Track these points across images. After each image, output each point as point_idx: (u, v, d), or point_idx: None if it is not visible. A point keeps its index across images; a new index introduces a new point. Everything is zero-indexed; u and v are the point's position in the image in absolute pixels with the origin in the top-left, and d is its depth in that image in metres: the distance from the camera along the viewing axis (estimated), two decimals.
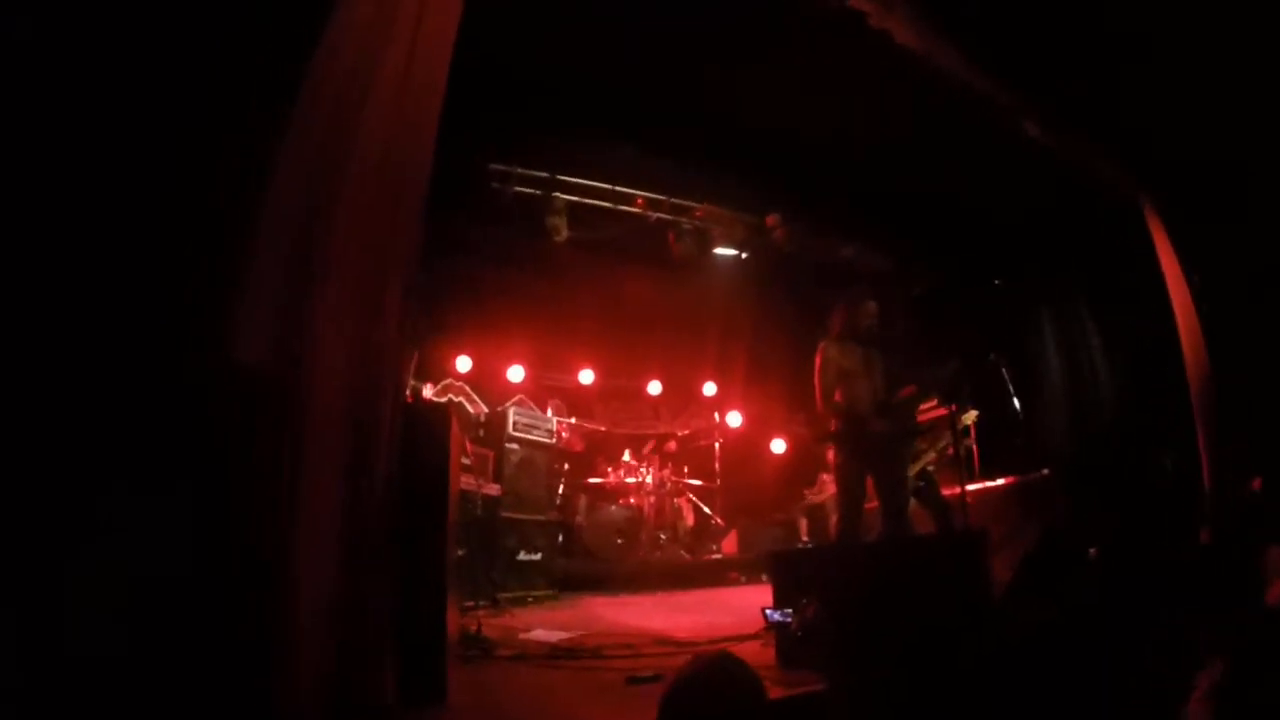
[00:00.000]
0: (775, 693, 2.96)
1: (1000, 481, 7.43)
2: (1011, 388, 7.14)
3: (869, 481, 5.55)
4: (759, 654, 4.23)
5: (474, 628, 4.68)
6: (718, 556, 9.69)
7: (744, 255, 9.01)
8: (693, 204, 8.47)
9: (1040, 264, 8.71)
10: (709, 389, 11.91)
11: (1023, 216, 8.05)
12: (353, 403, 2.44)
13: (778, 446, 11.61)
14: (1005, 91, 6.01)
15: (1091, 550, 4.97)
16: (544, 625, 5.51)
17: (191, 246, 2.28)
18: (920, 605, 3.53)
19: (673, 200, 8.34)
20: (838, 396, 5.52)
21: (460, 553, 6.12)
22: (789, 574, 4.55)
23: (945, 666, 3.20)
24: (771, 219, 8.59)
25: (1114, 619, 3.65)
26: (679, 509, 10.15)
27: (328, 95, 2.82)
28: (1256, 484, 5.22)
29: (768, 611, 4.48)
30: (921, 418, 7.34)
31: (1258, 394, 5.98)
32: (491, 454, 7.41)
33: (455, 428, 3.68)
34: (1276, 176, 5.91)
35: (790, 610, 4.22)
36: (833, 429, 5.60)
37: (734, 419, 11.87)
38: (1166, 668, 2.79)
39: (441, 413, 3.56)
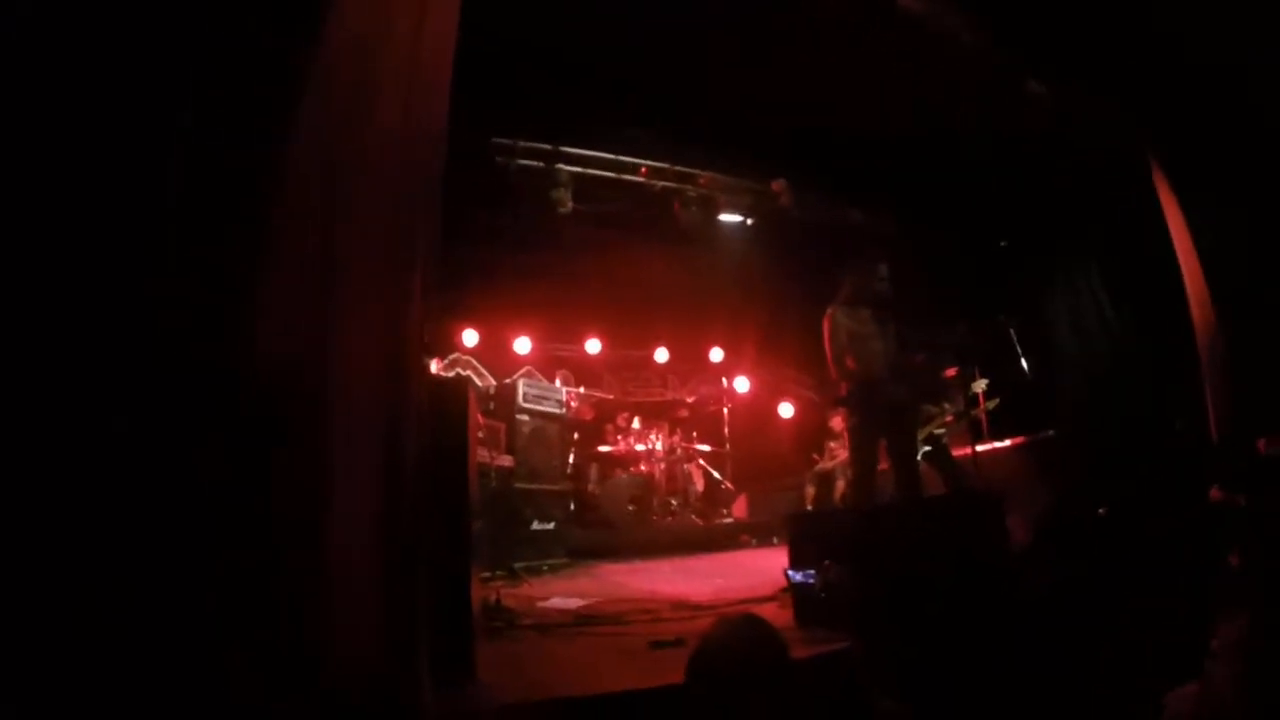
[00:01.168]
0: (798, 652, 3.03)
1: (1009, 442, 7.47)
2: (1019, 349, 7.16)
3: (881, 446, 5.59)
4: (777, 615, 4.28)
5: (494, 599, 4.75)
6: (729, 521, 9.81)
7: (750, 221, 9.00)
8: (697, 171, 8.47)
9: (1048, 224, 8.68)
10: (716, 355, 11.98)
11: (1029, 177, 8.01)
12: (381, 388, 2.48)
13: (786, 411, 11.70)
14: (1008, 50, 5.96)
15: (1101, 510, 5.02)
16: (562, 594, 5.58)
17: (215, 243, 2.30)
18: (938, 566, 3.58)
19: (677, 168, 8.33)
20: (849, 362, 5.51)
21: (477, 525, 6.21)
22: (806, 536, 4.60)
23: (964, 626, 3.25)
24: (777, 184, 8.57)
25: (1125, 577, 3.69)
26: (689, 474, 10.25)
27: (338, 76, 2.83)
28: (1261, 445, 5.24)
29: (789, 572, 4.54)
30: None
31: (1266, 354, 5.97)
32: (503, 426, 7.47)
33: (472, 402, 3.72)
34: None
35: (812, 571, 4.29)
36: (844, 393, 5.61)
37: (742, 384, 11.94)
38: (1177, 624, 2.84)
39: (459, 389, 3.58)
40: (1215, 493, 4.27)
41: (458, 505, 3.14)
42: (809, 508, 9.06)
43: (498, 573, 6.20)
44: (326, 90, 2.77)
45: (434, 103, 3.08)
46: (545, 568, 7.09)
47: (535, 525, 7.32)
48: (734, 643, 2.18)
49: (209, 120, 2.53)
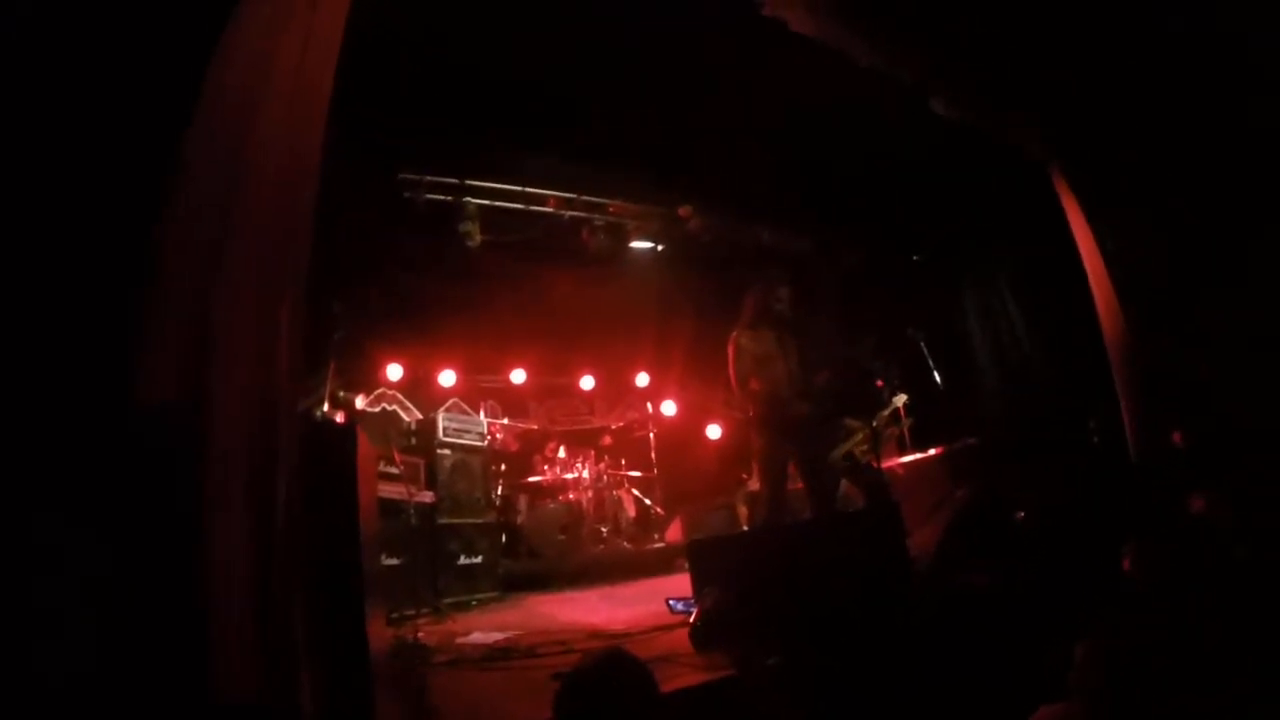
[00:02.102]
0: (686, 679, 3.07)
1: (931, 452, 7.62)
2: (930, 362, 7.33)
3: (792, 466, 5.68)
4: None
5: (411, 637, 4.71)
6: (661, 545, 9.81)
7: (660, 247, 9.10)
8: (605, 200, 8.55)
9: (957, 238, 8.91)
10: (642, 380, 12.06)
11: (937, 192, 8.21)
12: (254, 434, 2.49)
13: (714, 432, 11.78)
14: (910, 69, 6.09)
15: (1019, 514, 5.15)
16: (485, 627, 5.54)
17: (97, 290, 2.30)
18: (836, 583, 3.64)
19: (584, 198, 8.40)
20: (753, 384, 5.62)
21: (395, 562, 6.14)
22: (706, 562, 4.61)
23: (862, 640, 3.29)
24: (684, 210, 8.70)
25: (1040, 580, 3.77)
26: (619, 501, 10.25)
27: (221, 114, 2.85)
28: (1176, 438, 5.42)
29: (670, 601, 4.60)
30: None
31: (1175, 353, 6.18)
32: (422, 461, 7.41)
33: (364, 443, 3.72)
34: (1184, 141, 6.13)
35: (692, 599, 4.35)
36: (753, 415, 5.70)
37: (668, 408, 12.02)
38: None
39: (345, 431, 3.59)
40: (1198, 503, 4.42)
41: (346, 542, 3.13)
42: (744, 528, 9.14)
43: (421, 610, 6.14)
44: (210, 123, 2.79)
45: (311, 137, 3.10)
46: (474, 602, 7.04)
47: (462, 560, 7.27)
48: (595, 680, 2.22)
49: (94, 145, 2.53)
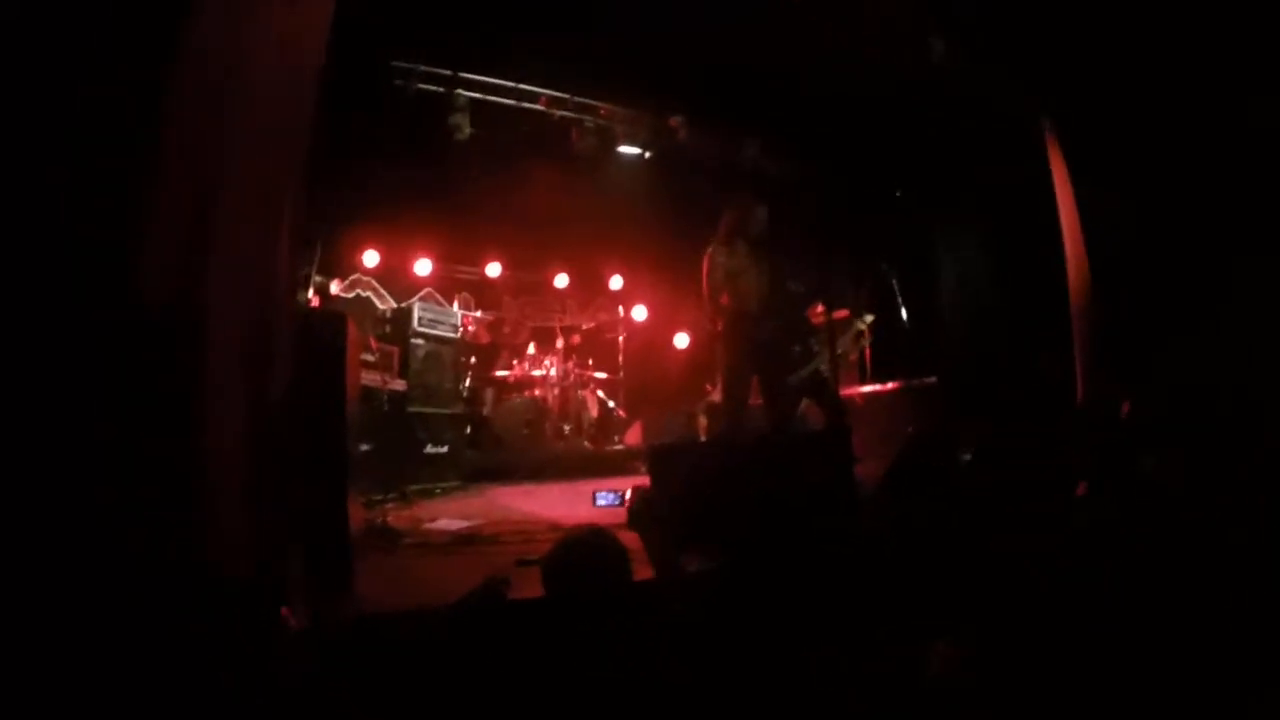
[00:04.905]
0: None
1: (890, 385, 7.82)
2: (900, 298, 7.49)
3: (754, 381, 5.88)
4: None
5: (380, 520, 4.92)
6: (621, 447, 10.07)
7: (648, 155, 9.11)
8: (596, 103, 8.52)
9: (942, 178, 8.96)
10: (616, 283, 12.15)
11: (928, 130, 8.23)
12: (251, 326, 2.59)
13: (681, 341, 11.94)
14: (910, 11, 6.10)
15: (965, 455, 5.38)
16: (449, 515, 5.73)
17: (92, 193, 2.36)
18: (779, 500, 3.83)
19: (576, 99, 8.37)
20: (724, 299, 5.75)
21: (367, 448, 6.32)
22: (667, 469, 4.72)
23: (790, 558, 3.46)
24: (674, 120, 8.70)
25: (974, 520, 3.93)
26: (583, 400, 10.44)
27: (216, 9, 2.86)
28: (1125, 408, 5.62)
29: (596, 494, 4.81)
30: (817, 320, 7.69)
31: (1136, 322, 6.35)
32: (397, 350, 7.52)
33: (352, 330, 3.84)
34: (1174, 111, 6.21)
35: (618, 493, 4.58)
36: (720, 329, 5.86)
37: (639, 313, 12.15)
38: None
39: (336, 320, 3.70)
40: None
41: (333, 427, 3.29)
42: (702, 438, 9.40)
43: (389, 495, 6.32)
44: (207, 18, 2.80)
45: (316, 25, 3.11)
46: (438, 490, 7.26)
47: (429, 449, 7.45)
48: (584, 553, 2.45)
49: (90, 42, 2.54)
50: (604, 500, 4.76)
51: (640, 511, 3.58)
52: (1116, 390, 5.79)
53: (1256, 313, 5.62)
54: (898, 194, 8.86)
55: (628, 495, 4.79)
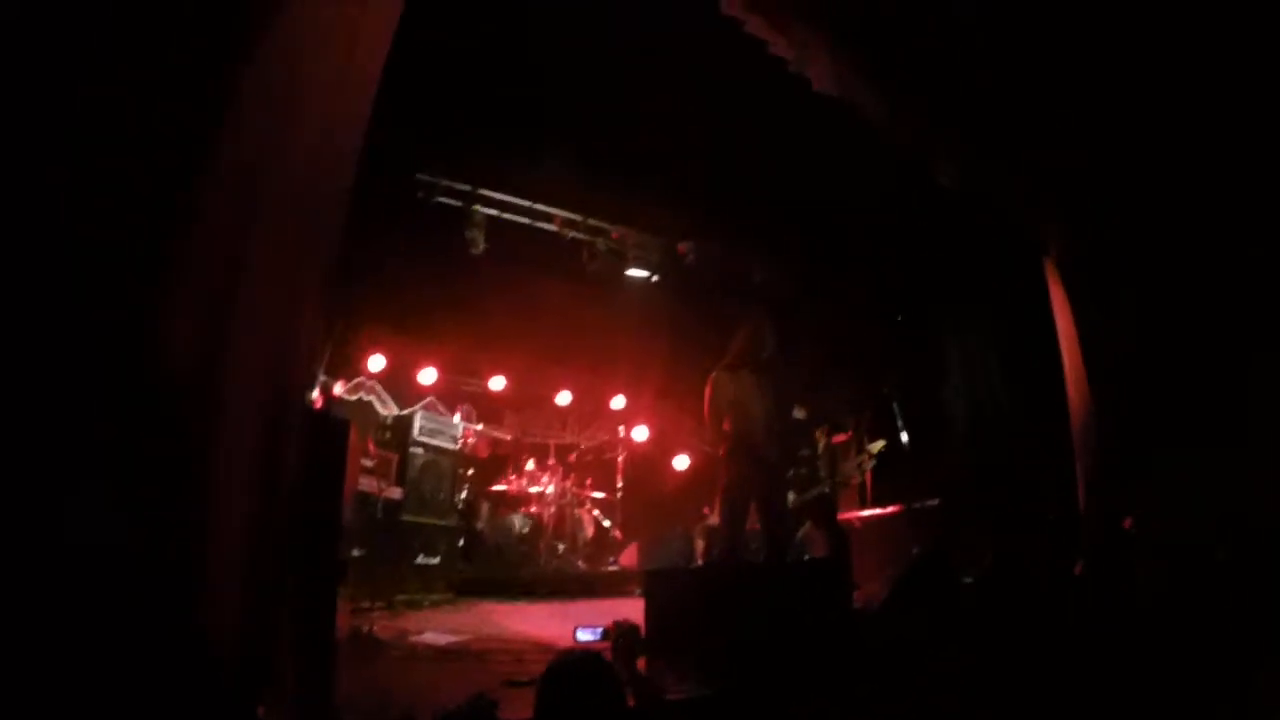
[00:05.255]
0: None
1: (891, 509, 7.76)
2: (900, 421, 7.52)
3: (752, 507, 5.83)
4: None
5: (367, 629, 4.81)
6: (615, 569, 9.91)
7: (655, 278, 9.27)
8: (608, 226, 8.70)
9: (945, 300, 9.09)
10: (618, 403, 12.17)
11: (930, 253, 8.40)
12: (265, 410, 2.60)
13: (681, 463, 11.88)
14: (921, 137, 6.28)
15: (969, 579, 5.30)
16: (436, 628, 5.61)
17: (123, 251, 2.39)
18: (773, 626, 3.77)
19: (589, 221, 8.56)
20: (727, 424, 5.77)
21: (359, 554, 6.23)
22: (662, 593, 4.70)
23: (788, 684, 3.38)
24: (683, 246, 8.89)
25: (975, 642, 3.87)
26: (579, 519, 10.33)
27: (263, 94, 2.94)
28: (1127, 523, 5.58)
29: (577, 630, 4.75)
30: (830, 441, 7.69)
31: (1134, 440, 6.37)
32: (395, 457, 7.51)
33: (354, 436, 3.84)
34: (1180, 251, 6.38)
35: (599, 629, 4.53)
36: (722, 454, 5.86)
37: (640, 433, 12.13)
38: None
39: (341, 425, 3.71)
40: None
41: (328, 531, 3.25)
42: (699, 561, 9.26)
43: (377, 604, 6.20)
44: (255, 101, 2.88)
45: (355, 124, 3.22)
46: (427, 602, 7.10)
47: (421, 559, 7.36)
48: (580, 674, 2.39)
49: (134, 119, 2.60)
50: (585, 636, 4.68)
51: (620, 643, 3.62)
52: (1119, 506, 5.76)
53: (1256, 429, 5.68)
54: (899, 318, 8.97)
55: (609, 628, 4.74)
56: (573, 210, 8.41)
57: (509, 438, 11.16)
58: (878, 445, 8.20)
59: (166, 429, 2.32)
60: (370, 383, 10.46)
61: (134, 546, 2.13)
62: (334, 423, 3.70)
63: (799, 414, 6.29)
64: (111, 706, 1.95)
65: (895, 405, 7.50)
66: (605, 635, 4.65)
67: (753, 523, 5.97)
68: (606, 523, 10.82)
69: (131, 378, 2.32)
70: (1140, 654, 3.15)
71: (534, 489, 9.93)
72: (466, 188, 7.83)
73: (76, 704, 1.92)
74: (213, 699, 2.12)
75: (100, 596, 2.07)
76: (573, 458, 10.75)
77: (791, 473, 6.57)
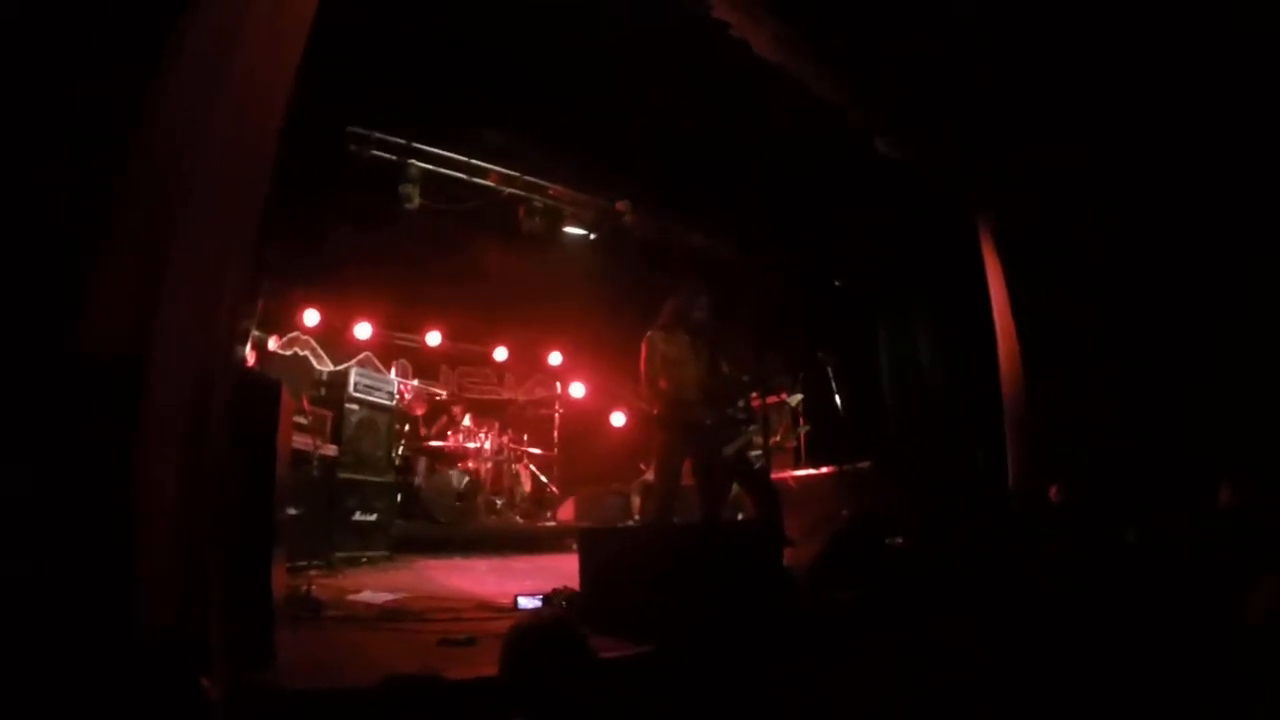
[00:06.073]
0: None
1: (824, 470, 7.91)
2: (834, 385, 7.65)
3: (686, 465, 5.93)
4: None
5: (304, 589, 4.79)
6: (552, 524, 10.00)
7: (593, 236, 9.25)
8: (545, 183, 8.65)
9: (879, 269, 9.23)
10: (555, 359, 12.20)
11: (869, 221, 8.50)
12: (191, 386, 2.57)
13: (618, 420, 11.99)
14: (858, 107, 6.33)
15: (898, 540, 5.47)
16: (374, 587, 5.61)
17: (47, 241, 2.35)
18: (710, 587, 3.86)
19: (526, 178, 8.50)
20: (662, 384, 5.83)
21: (295, 513, 6.17)
22: (596, 553, 4.76)
23: (722, 643, 3.46)
24: (621, 204, 8.88)
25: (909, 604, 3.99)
26: (517, 475, 10.40)
27: (192, 49, 2.87)
28: (1053, 492, 5.78)
29: (518, 598, 4.85)
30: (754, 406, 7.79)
31: (1064, 409, 6.59)
32: (331, 414, 7.42)
33: (286, 396, 3.82)
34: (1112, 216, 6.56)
35: (540, 596, 4.64)
36: (657, 413, 5.94)
37: (577, 390, 12.19)
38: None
39: (272, 388, 3.68)
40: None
41: (262, 494, 3.25)
42: (636, 517, 9.38)
43: (314, 562, 6.19)
44: (182, 58, 2.81)
45: (283, 75, 3.15)
46: (365, 559, 7.13)
47: (358, 516, 7.31)
48: (544, 635, 2.43)
49: (58, 103, 2.55)
50: (525, 604, 4.77)
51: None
52: (1044, 479, 5.97)
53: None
54: (836, 283, 9.10)
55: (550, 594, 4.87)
56: (509, 167, 8.33)
57: (445, 393, 11.13)
58: (796, 398, 8.40)
59: (94, 397, 2.30)
60: (305, 338, 10.34)
61: (62, 522, 2.12)
62: (264, 386, 3.67)
63: (733, 374, 6.35)
64: (47, 684, 1.95)
65: (830, 369, 7.61)
66: (547, 602, 4.76)
67: (687, 479, 6.07)
68: (544, 478, 10.89)
69: (58, 348, 2.30)
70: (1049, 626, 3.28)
71: (471, 445, 9.94)
72: (401, 142, 7.69)
73: (10, 684, 1.92)
74: (152, 670, 2.13)
75: (29, 575, 2.05)
76: (510, 413, 10.75)
77: (732, 433, 6.65)
